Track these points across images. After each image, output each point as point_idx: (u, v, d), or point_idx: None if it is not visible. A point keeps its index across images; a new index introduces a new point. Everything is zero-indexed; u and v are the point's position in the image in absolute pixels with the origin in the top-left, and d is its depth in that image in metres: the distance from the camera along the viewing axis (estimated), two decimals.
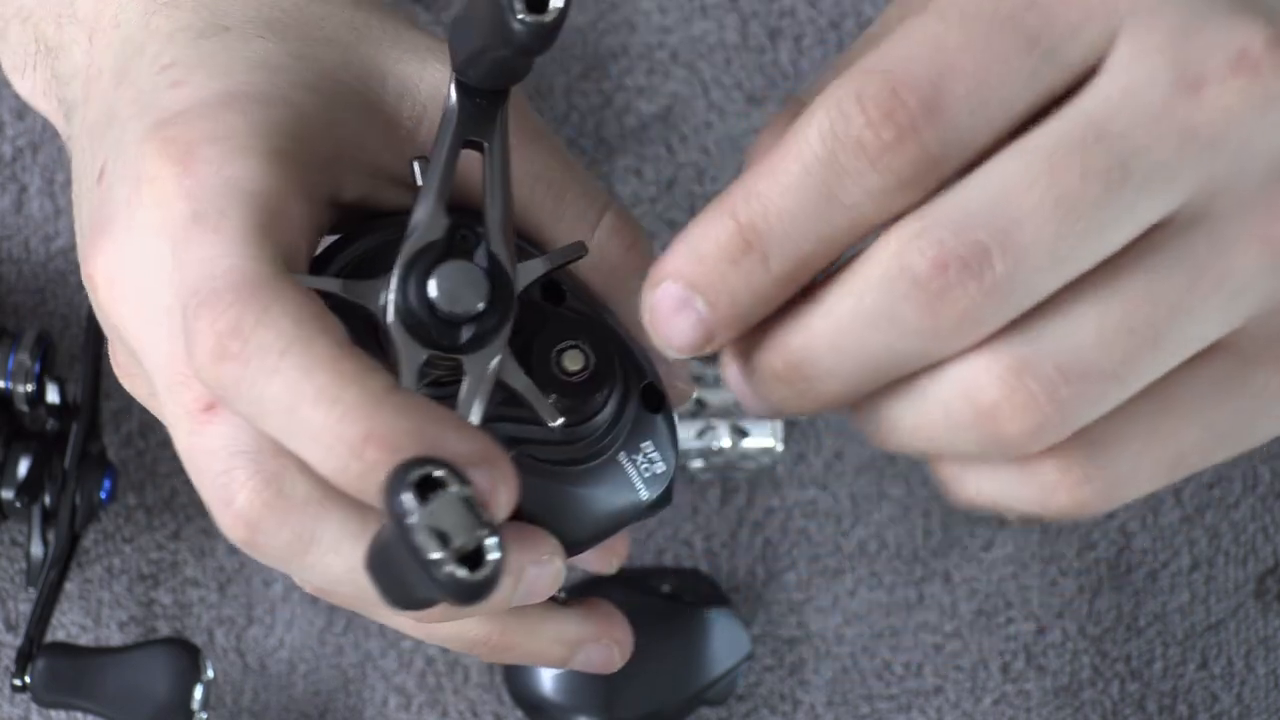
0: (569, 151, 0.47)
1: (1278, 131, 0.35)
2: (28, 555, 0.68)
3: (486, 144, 0.41)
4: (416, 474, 0.34)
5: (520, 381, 0.42)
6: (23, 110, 0.73)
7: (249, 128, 0.41)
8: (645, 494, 0.45)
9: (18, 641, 0.69)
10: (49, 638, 0.69)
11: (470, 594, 0.34)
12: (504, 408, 0.43)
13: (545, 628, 0.46)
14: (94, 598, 0.72)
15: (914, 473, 0.74)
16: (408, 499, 0.34)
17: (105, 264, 0.41)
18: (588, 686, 0.70)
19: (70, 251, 0.73)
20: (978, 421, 0.37)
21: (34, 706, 0.71)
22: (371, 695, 0.72)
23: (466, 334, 0.40)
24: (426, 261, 0.40)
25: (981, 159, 0.35)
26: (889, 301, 0.36)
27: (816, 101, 0.36)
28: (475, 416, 0.40)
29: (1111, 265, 0.36)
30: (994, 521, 0.74)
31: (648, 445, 0.45)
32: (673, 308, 0.38)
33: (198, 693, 0.66)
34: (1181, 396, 0.37)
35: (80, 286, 0.72)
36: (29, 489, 0.67)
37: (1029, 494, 0.39)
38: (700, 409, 0.71)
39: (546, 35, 0.36)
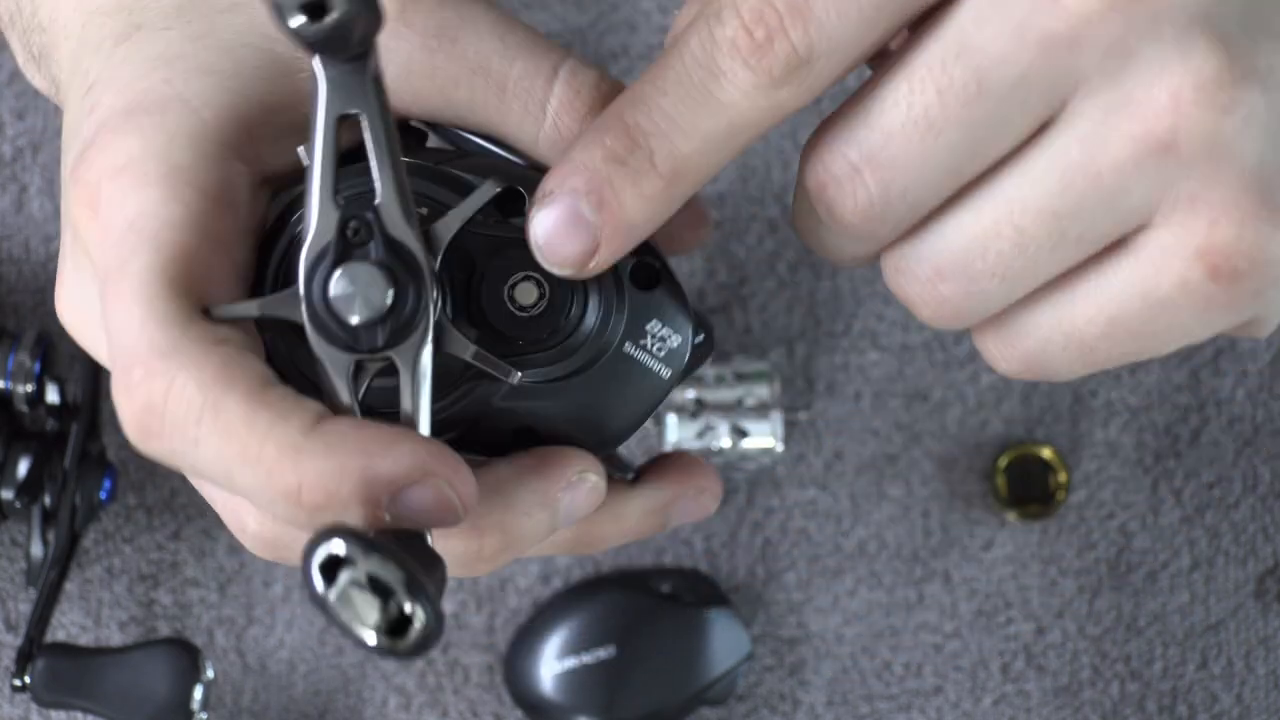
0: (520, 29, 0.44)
1: (1137, 26, 0.35)
2: (28, 555, 0.68)
3: (361, 114, 0.38)
4: (321, 556, 0.34)
5: (465, 350, 0.40)
6: (23, 110, 0.73)
7: (145, 150, 0.40)
8: (665, 371, 0.43)
9: (18, 641, 0.69)
10: (49, 638, 0.69)
11: (410, 654, 0.34)
12: (487, 344, 0.41)
13: (627, 509, 0.46)
14: (94, 598, 0.72)
15: (914, 473, 0.74)
16: (318, 583, 0.34)
17: (63, 308, 0.42)
18: (587, 686, 0.70)
19: None
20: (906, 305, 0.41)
21: (34, 706, 0.71)
22: (371, 695, 0.72)
23: (384, 333, 0.38)
24: (324, 267, 0.38)
25: (853, 66, 0.38)
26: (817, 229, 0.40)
27: (698, 13, 0.38)
28: (422, 412, 0.39)
29: (991, 172, 0.38)
30: (994, 521, 0.74)
31: (653, 325, 0.43)
32: (561, 218, 0.39)
33: (197, 693, 0.66)
34: (1082, 290, 0.39)
35: None
36: (29, 489, 0.67)
37: (986, 355, 0.42)
38: (700, 409, 0.71)
39: (329, 39, 0.34)
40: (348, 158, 0.40)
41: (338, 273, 0.38)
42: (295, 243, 0.41)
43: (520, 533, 0.41)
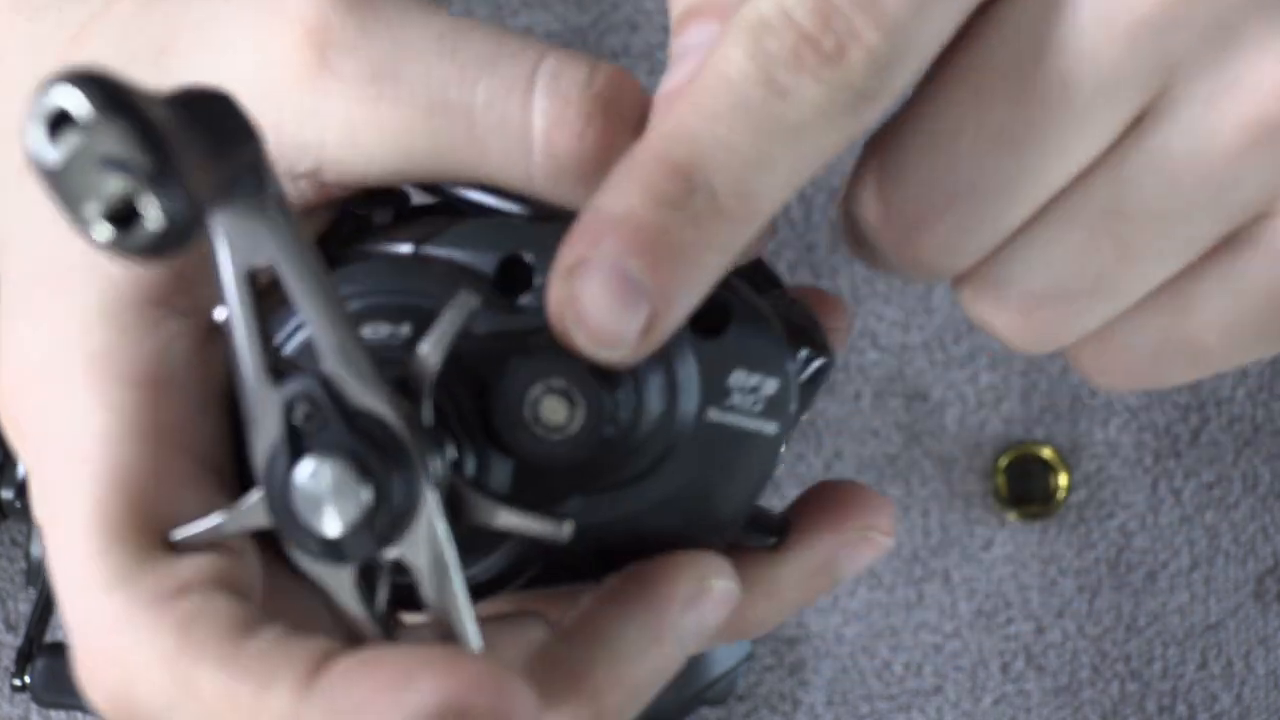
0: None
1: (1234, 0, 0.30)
2: (28, 555, 0.68)
3: (271, 262, 0.30)
4: (48, 107, 0.25)
5: (494, 515, 0.32)
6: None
7: (52, 342, 0.33)
8: (769, 426, 0.34)
9: (18, 642, 0.69)
10: (49, 638, 0.69)
11: (139, 254, 0.26)
12: (524, 480, 0.33)
13: (780, 583, 0.37)
14: None
15: (914, 473, 0.74)
16: (36, 137, 0.25)
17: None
18: None
19: None
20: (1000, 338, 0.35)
21: (34, 706, 0.71)
22: None
23: (373, 537, 0.30)
24: (279, 476, 0.30)
25: (929, 62, 0.32)
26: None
27: (736, 19, 0.31)
28: (457, 612, 0.31)
29: (1082, 178, 0.33)
30: (994, 521, 0.74)
31: (737, 377, 0.33)
32: (603, 290, 0.30)
33: None
34: (1196, 293, 0.34)
35: None
36: (29, 489, 0.67)
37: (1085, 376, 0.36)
38: None
39: (163, 244, 0.25)
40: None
41: (296, 476, 0.30)
42: None
43: (637, 681, 0.33)
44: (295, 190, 0.34)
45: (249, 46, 0.33)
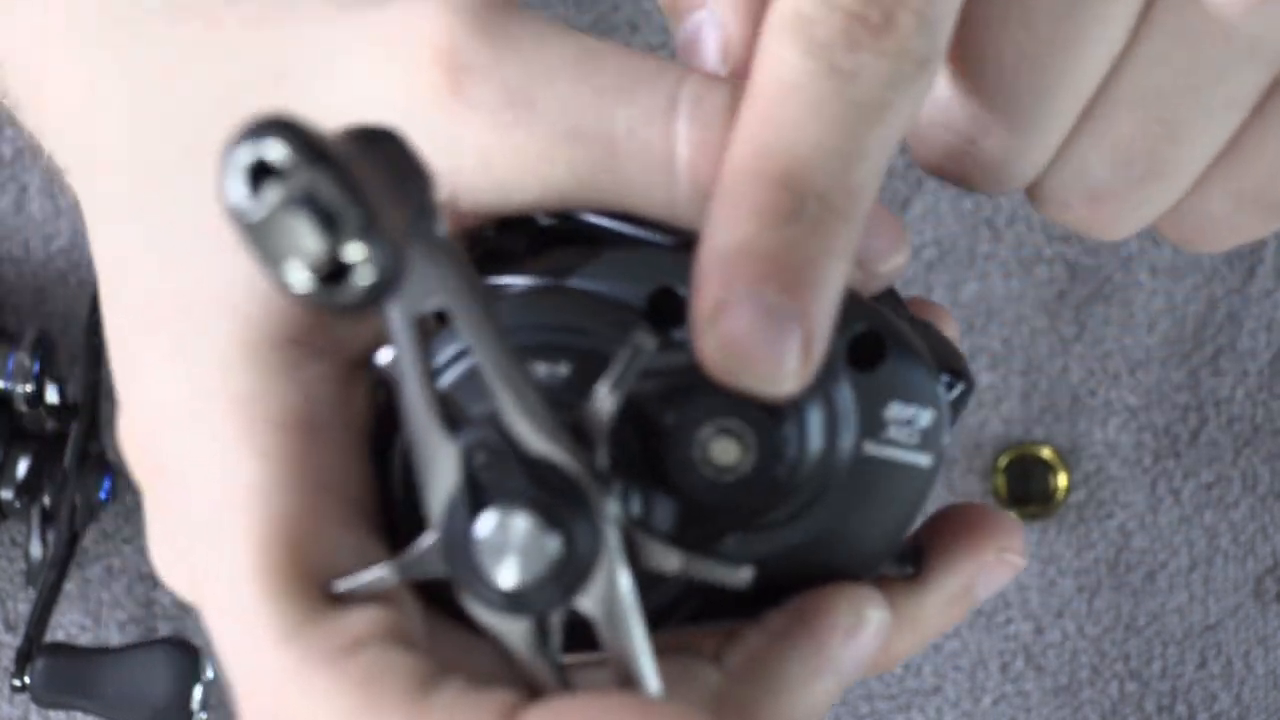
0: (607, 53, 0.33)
1: None
2: (27, 555, 0.68)
3: (445, 306, 0.29)
4: (247, 156, 0.25)
5: (670, 561, 0.31)
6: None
7: (188, 388, 0.31)
8: (924, 459, 0.33)
9: (17, 642, 0.69)
10: (48, 638, 0.69)
11: (348, 308, 0.25)
12: (689, 520, 0.32)
13: (922, 613, 0.36)
14: (94, 598, 0.72)
15: None
16: (237, 190, 0.25)
17: (163, 573, 0.35)
18: None
19: (70, 251, 0.73)
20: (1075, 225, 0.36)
21: (33, 706, 0.71)
22: None
23: (559, 590, 0.29)
24: (460, 527, 0.29)
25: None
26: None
27: (772, 23, 0.30)
28: (638, 660, 0.30)
29: (1113, 74, 0.33)
30: None
31: (893, 409, 0.33)
32: (749, 328, 0.29)
33: (197, 693, 0.66)
34: (1253, 147, 0.34)
35: (80, 286, 0.72)
36: (29, 489, 0.67)
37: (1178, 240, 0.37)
38: None
39: (353, 309, 0.25)
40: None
41: (479, 527, 0.29)
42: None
43: (807, 712, 0.33)
44: None
45: (374, 71, 0.32)
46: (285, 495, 0.31)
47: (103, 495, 0.69)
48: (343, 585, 0.30)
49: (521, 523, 0.29)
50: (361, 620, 0.30)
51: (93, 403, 0.68)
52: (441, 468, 0.29)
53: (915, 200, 0.73)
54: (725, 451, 0.31)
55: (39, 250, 0.73)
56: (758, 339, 0.29)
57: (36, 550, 0.68)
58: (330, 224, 0.24)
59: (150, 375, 0.32)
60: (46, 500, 0.67)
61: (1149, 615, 0.74)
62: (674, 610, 0.33)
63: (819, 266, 0.30)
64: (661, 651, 0.32)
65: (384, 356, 0.31)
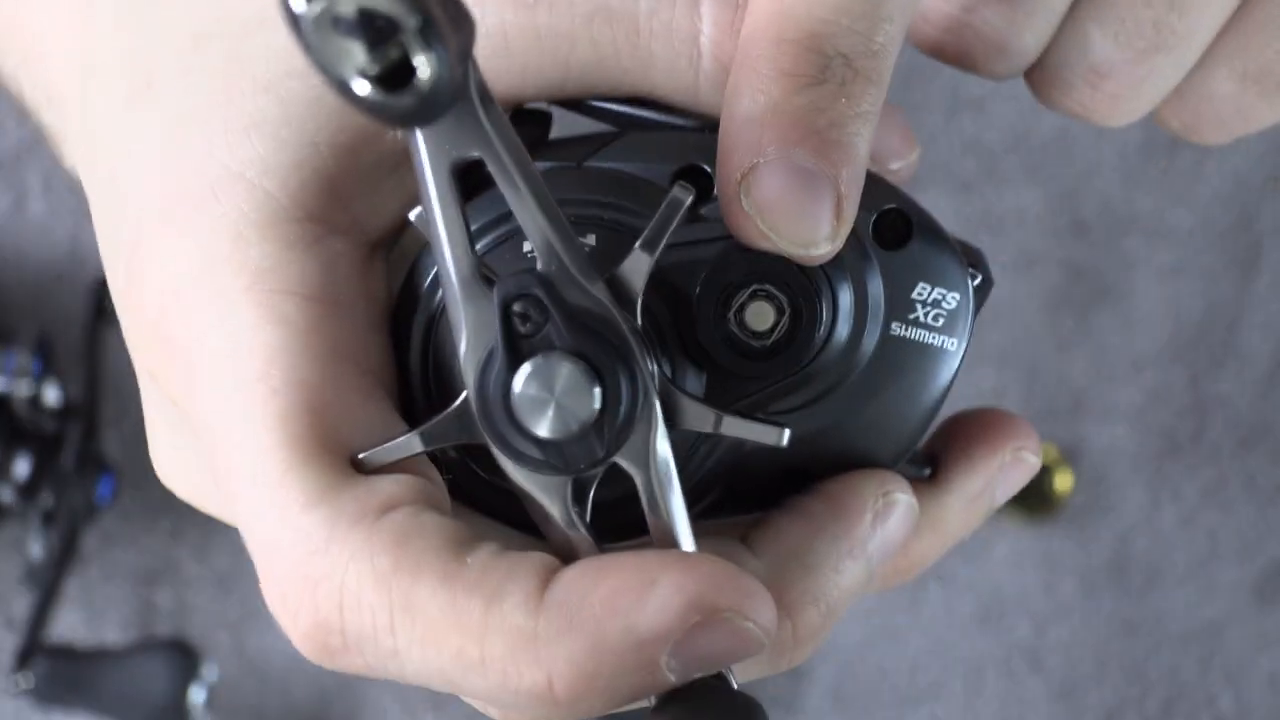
0: None
1: None
2: (27, 556, 0.68)
3: (482, 154, 0.28)
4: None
5: (709, 421, 0.30)
6: (24, 111, 0.73)
7: (206, 257, 0.30)
8: (951, 342, 0.33)
9: (17, 642, 0.69)
10: (48, 638, 0.69)
11: (407, 117, 0.24)
12: (719, 390, 0.32)
13: (944, 513, 0.35)
14: (94, 598, 0.72)
15: None
16: None
17: (165, 475, 0.34)
18: None
19: (70, 252, 0.73)
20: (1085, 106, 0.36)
21: (33, 707, 0.71)
22: (371, 695, 0.72)
23: (601, 443, 0.28)
24: (497, 376, 0.28)
25: None
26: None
27: None
28: (676, 519, 0.30)
29: None
30: (994, 521, 0.74)
31: (920, 290, 0.32)
32: (783, 189, 0.29)
33: (193, 694, 0.66)
34: (1255, 24, 0.34)
35: (79, 287, 0.72)
36: (29, 489, 0.67)
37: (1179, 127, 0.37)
38: None
39: (422, 109, 0.24)
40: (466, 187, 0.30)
41: (519, 380, 0.28)
42: (436, 319, 0.32)
43: (837, 596, 0.32)
44: None
45: None
46: (306, 363, 0.30)
47: (103, 496, 0.69)
48: (369, 458, 0.30)
49: (564, 372, 0.28)
50: (390, 486, 0.29)
51: (92, 403, 0.68)
52: (477, 322, 0.28)
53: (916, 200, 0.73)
54: (761, 316, 0.31)
55: (39, 250, 0.73)
56: (792, 200, 0.29)
57: (36, 551, 0.68)
58: (387, 25, 0.23)
59: (164, 253, 0.31)
60: (46, 500, 0.67)
61: (1150, 615, 0.75)
62: (698, 498, 0.32)
63: (848, 127, 0.29)
64: (702, 528, 0.32)
65: (415, 212, 0.29)
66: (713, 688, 0.28)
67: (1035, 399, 0.74)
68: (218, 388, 0.30)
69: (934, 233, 0.32)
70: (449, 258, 0.29)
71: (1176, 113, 0.36)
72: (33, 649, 0.67)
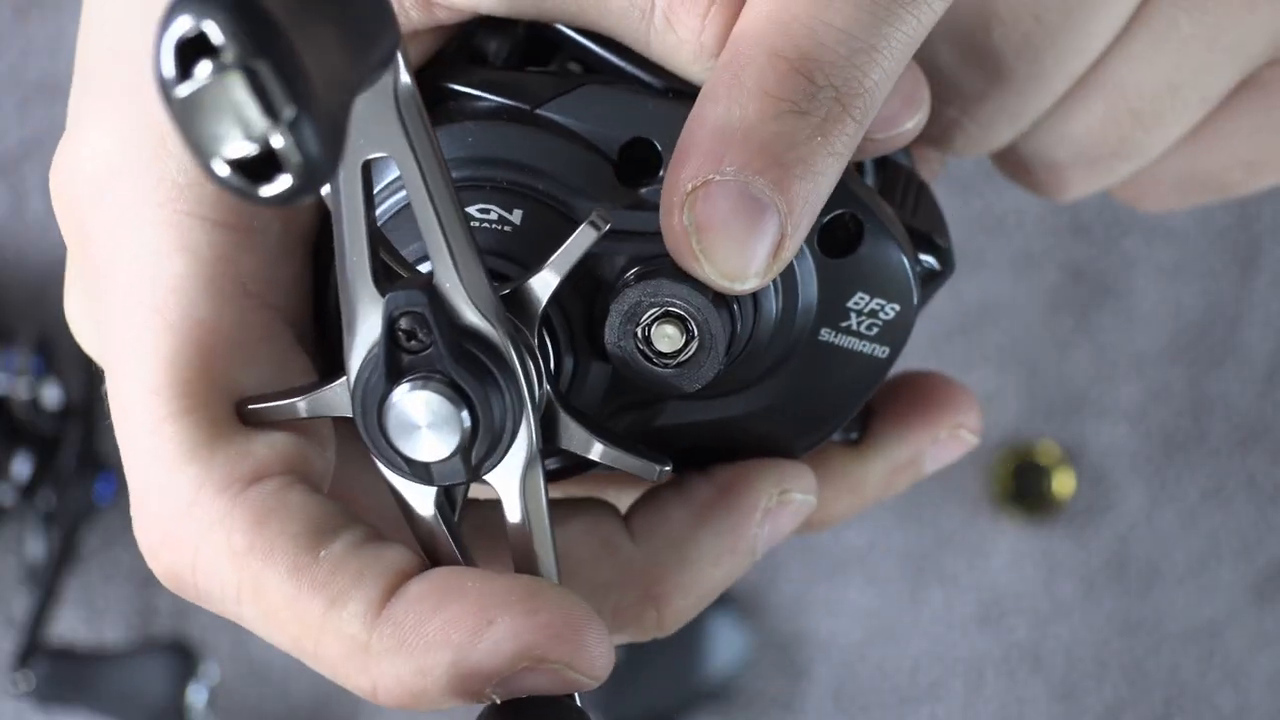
0: None
1: None
2: (26, 556, 0.68)
3: (391, 154, 0.27)
4: (180, 31, 0.22)
5: (589, 448, 0.30)
6: (25, 111, 0.73)
7: (128, 159, 0.30)
8: (881, 351, 0.32)
9: (17, 642, 0.69)
10: (48, 638, 0.69)
11: (269, 202, 0.23)
12: (619, 389, 0.31)
13: (865, 478, 0.34)
14: (94, 598, 0.72)
15: None
16: (167, 66, 0.22)
17: (73, 323, 0.33)
18: None
19: None
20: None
21: (33, 707, 0.71)
22: None
23: (466, 466, 0.28)
24: (372, 388, 0.28)
25: None
26: None
27: None
28: (539, 543, 0.29)
29: (1098, 62, 0.34)
30: (994, 521, 0.74)
31: (858, 300, 0.31)
32: (727, 214, 0.27)
33: (194, 694, 0.66)
34: (1212, 138, 0.35)
35: None
36: (29, 490, 0.67)
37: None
38: None
39: (275, 204, 0.23)
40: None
41: (393, 398, 0.28)
42: None
43: (708, 588, 0.32)
44: (400, 12, 0.30)
45: None
46: (208, 298, 0.29)
47: (104, 497, 0.69)
48: (256, 407, 0.29)
49: (435, 404, 0.28)
50: (267, 448, 0.29)
51: (91, 404, 0.68)
52: (365, 320, 0.28)
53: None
54: (667, 339, 0.30)
55: (39, 250, 0.73)
56: (735, 227, 0.28)
57: (36, 551, 0.68)
58: (258, 121, 0.22)
59: (94, 136, 0.30)
60: (45, 501, 0.67)
61: (1150, 615, 0.75)
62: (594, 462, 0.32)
63: (816, 166, 0.28)
64: (584, 501, 0.32)
65: (325, 191, 0.28)
66: (545, 699, 0.28)
67: (1035, 399, 0.74)
68: (118, 304, 0.29)
69: (886, 239, 0.31)
70: (347, 254, 0.28)
71: (1121, 189, 0.37)
72: (33, 649, 0.67)
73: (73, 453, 0.68)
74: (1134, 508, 0.75)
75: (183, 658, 0.66)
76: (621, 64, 0.31)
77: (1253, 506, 0.75)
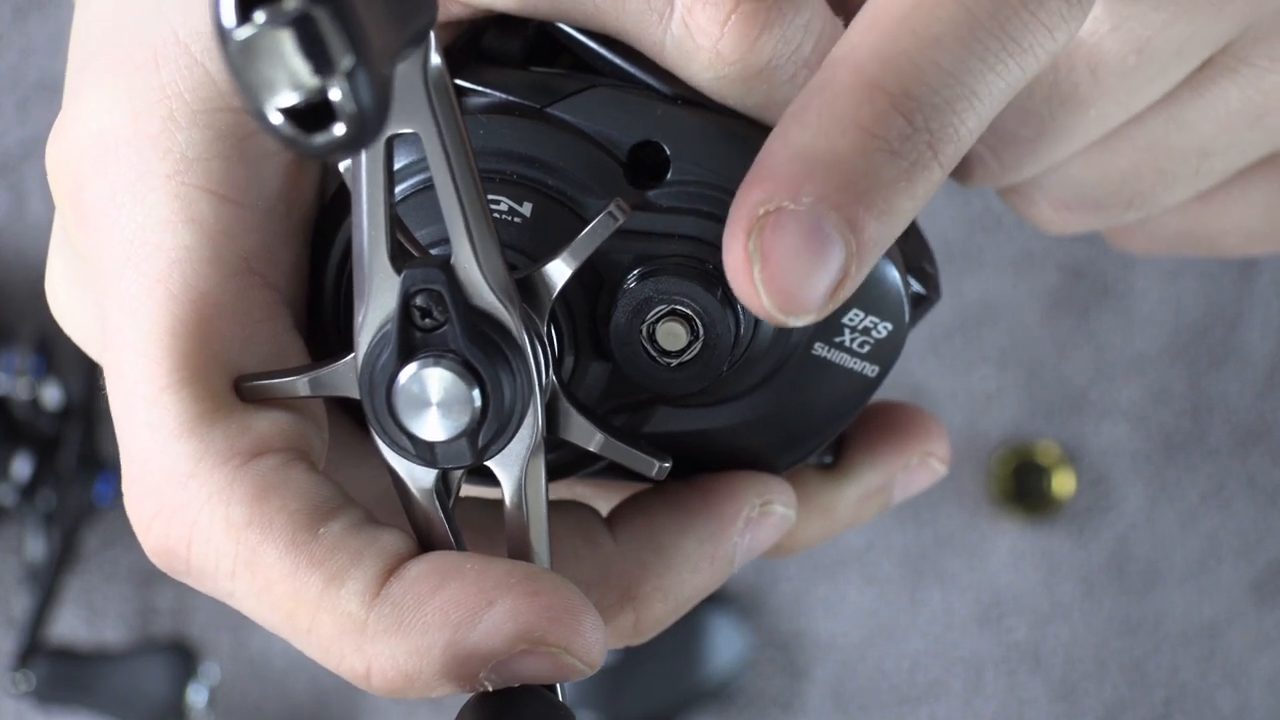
0: None
1: None
2: (26, 556, 0.68)
3: (418, 130, 0.27)
4: None
5: (590, 439, 0.30)
6: (25, 111, 0.73)
7: (136, 128, 0.29)
8: (871, 369, 0.32)
9: (17, 642, 0.69)
10: (47, 638, 0.69)
11: (318, 152, 0.23)
12: (617, 388, 0.31)
13: (836, 504, 0.34)
14: (94, 598, 0.72)
15: None
16: (228, 11, 0.22)
17: (54, 304, 0.33)
18: (588, 686, 0.70)
19: None
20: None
21: (33, 707, 0.71)
22: (371, 696, 0.72)
23: (472, 449, 0.28)
24: (384, 364, 0.28)
25: None
26: None
27: None
28: (535, 534, 0.29)
29: (1139, 118, 0.33)
30: (994, 521, 0.74)
31: (853, 317, 0.31)
32: (793, 249, 0.26)
33: (194, 694, 0.66)
34: (1220, 204, 0.35)
35: None
36: (29, 490, 0.67)
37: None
38: None
39: (328, 154, 0.23)
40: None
41: (404, 375, 0.28)
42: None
43: (686, 594, 0.32)
44: None
45: None
46: (211, 271, 0.29)
47: (104, 496, 0.69)
48: (251, 386, 0.29)
49: (448, 382, 0.28)
50: (266, 425, 0.29)
51: (91, 403, 0.68)
52: (379, 297, 0.28)
53: None
54: (672, 337, 0.30)
55: (39, 250, 0.73)
56: (801, 262, 0.26)
57: (35, 551, 0.68)
58: (316, 67, 0.22)
59: (98, 108, 0.30)
60: (45, 501, 0.68)
61: (1150, 615, 0.75)
62: (589, 461, 0.32)
63: (895, 209, 0.27)
64: (568, 503, 0.32)
65: (346, 164, 0.28)
66: (531, 692, 0.28)
67: (1035, 399, 0.74)
68: (120, 274, 0.29)
69: (884, 258, 0.31)
70: (365, 229, 0.28)
71: (1113, 232, 0.37)
72: (33, 649, 0.67)
73: (73, 453, 0.68)
74: (1134, 508, 0.74)
75: (183, 658, 0.67)
76: (629, 69, 0.31)
77: (1253, 507, 0.75)
